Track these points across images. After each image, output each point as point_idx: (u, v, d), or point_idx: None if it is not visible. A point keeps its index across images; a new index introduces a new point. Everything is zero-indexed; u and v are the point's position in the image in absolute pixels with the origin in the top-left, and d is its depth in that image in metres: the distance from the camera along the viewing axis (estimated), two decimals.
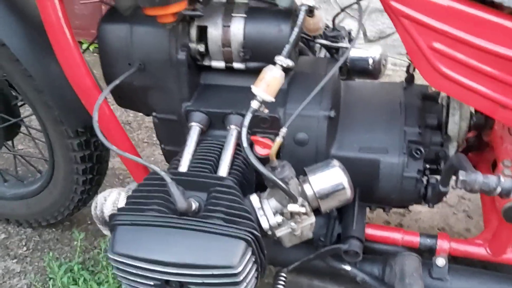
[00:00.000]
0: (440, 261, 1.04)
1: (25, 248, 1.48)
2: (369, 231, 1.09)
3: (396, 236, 1.08)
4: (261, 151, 0.98)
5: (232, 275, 0.81)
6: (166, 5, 0.85)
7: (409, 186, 1.00)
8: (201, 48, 0.99)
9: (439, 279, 1.03)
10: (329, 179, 0.90)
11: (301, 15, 0.87)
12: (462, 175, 0.77)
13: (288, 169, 0.88)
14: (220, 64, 1.02)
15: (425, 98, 1.10)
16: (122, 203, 0.96)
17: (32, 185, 1.44)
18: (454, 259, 1.09)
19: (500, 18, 0.78)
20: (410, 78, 1.14)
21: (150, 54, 0.99)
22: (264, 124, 1.00)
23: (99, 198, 0.99)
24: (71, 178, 1.31)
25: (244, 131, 0.87)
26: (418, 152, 0.99)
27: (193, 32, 0.98)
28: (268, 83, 0.87)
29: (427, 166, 1.05)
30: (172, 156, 1.14)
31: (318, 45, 1.26)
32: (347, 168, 0.93)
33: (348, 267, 1.05)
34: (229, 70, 1.04)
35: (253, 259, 0.84)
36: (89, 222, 1.58)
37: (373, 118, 1.06)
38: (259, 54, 0.97)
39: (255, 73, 0.95)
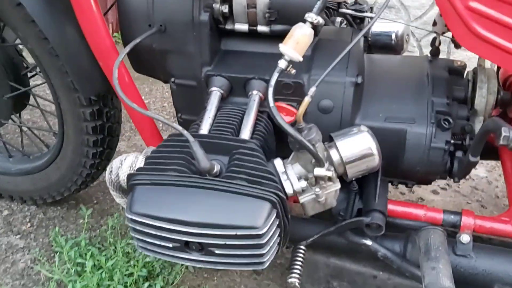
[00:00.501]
0: (465, 238, 1.00)
1: (29, 225, 1.43)
2: (391, 207, 1.05)
3: (419, 212, 1.04)
4: (284, 118, 0.94)
5: (256, 236, 0.77)
6: None
7: (436, 158, 0.97)
8: (225, 9, 0.96)
9: (463, 256, 1.00)
10: (357, 145, 0.87)
11: None
12: (505, 131, 0.74)
13: (316, 132, 0.85)
14: (244, 27, 0.98)
15: (451, 72, 1.08)
16: (140, 166, 0.92)
17: (39, 160, 1.39)
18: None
19: None
20: (435, 51, 1.11)
21: (172, 15, 0.96)
22: (287, 91, 0.97)
23: (115, 162, 0.95)
24: (81, 151, 1.27)
25: (271, 91, 0.83)
26: (447, 123, 0.96)
27: None
28: (297, 41, 0.83)
29: (453, 141, 1.02)
30: (189, 126, 1.10)
31: (338, 21, 1.23)
32: None
33: (369, 242, 1.01)
34: (251, 35, 1.00)
35: (277, 222, 0.81)
36: (95, 202, 1.54)
37: (399, 89, 1.03)
38: (285, 16, 0.94)
39: (278, 38, 0.92)
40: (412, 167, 0.99)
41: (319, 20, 0.84)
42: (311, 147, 0.82)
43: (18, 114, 1.42)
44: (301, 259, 0.99)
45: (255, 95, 0.96)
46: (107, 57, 1.00)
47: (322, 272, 1.12)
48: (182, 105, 1.08)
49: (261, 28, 0.98)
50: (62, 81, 1.15)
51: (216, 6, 0.96)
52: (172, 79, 1.04)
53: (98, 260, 1.18)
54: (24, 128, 1.57)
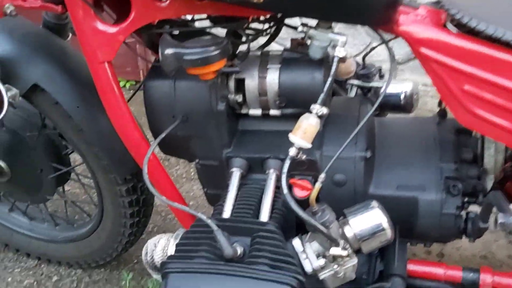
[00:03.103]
0: None
1: None
2: (411, 267, 1.10)
3: (439, 271, 1.09)
4: (300, 193, 1.02)
5: None
6: (207, 65, 0.92)
7: (448, 223, 1.02)
8: (239, 98, 1.05)
9: None
10: (369, 221, 0.92)
11: (334, 66, 0.92)
12: (500, 217, 0.79)
13: (329, 213, 0.91)
14: (257, 111, 1.07)
15: (459, 132, 1.12)
16: (171, 250, 1.01)
17: (82, 228, 1.51)
18: None
19: None
20: (443, 112, 1.16)
21: (192, 107, 1.06)
22: (302, 167, 1.04)
23: (149, 245, 1.04)
24: (119, 222, 1.38)
25: (284, 178, 0.91)
26: (456, 189, 1.01)
27: (232, 84, 1.04)
28: (304, 131, 0.91)
29: (466, 199, 1.07)
30: (215, 199, 1.19)
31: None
32: (385, 207, 0.96)
33: None
34: (266, 116, 1.09)
35: None
36: (135, 261, 1.64)
37: (408, 155, 1.08)
38: (294, 102, 1.02)
39: (291, 117, 1.00)
40: (427, 232, 1.04)
41: (324, 111, 0.92)
42: (325, 230, 0.88)
43: (61, 187, 1.55)
44: None
45: (272, 174, 1.04)
46: (137, 148, 1.10)
47: None
48: (206, 181, 1.17)
49: (273, 112, 1.06)
50: (99, 164, 1.26)
51: (231, 96, 1.05)
52: (196, 160, 1.13)
53: None
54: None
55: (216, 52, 0.92)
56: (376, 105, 0.97)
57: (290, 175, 1.04)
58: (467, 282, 1.06)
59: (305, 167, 1.04)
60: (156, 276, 1.11)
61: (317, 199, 0.98)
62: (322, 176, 0.90)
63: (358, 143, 1.03)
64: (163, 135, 1.03)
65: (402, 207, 1.03)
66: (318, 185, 0.90)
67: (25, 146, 1.34)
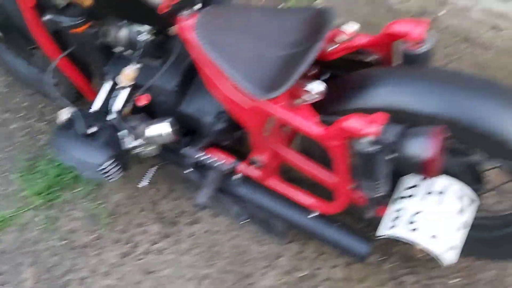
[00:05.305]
0: (235, 177, 1.83)
1: None
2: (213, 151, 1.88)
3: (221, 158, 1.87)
4: (140, 102, 1.78)
5: (101, 169, 1.71)
6: (75, 28, 1.62)
7: (214, 136, 1.76)
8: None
9: (232, 186, 1.85)
10: (159, 129, 1.70)
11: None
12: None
13: (140, 125, 1.69)
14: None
15: None
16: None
17: None
18: None
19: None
20: None
21: (78, 41, 1.76)
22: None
23: (60, 116, 1.87)
24: None
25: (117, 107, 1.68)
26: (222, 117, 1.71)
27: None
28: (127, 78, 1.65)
29: None
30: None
31: None
32: (186, 120, 1.73)
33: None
34: None
35: (115, 163, 1.72)
36: None
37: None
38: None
39: None
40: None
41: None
42: (134, 136, 1.68)
43: None
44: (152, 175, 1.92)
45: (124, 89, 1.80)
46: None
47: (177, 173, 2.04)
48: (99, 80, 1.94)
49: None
50: None
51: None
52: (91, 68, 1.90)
53: None
54: None
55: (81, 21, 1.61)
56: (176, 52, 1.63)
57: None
58: (230, 168, 1.84)
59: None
60: None
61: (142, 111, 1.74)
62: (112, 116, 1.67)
63: (171, 79, 1.71)
64: (62, 55, 1.78)
65: (194, 121, 1.76)
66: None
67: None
